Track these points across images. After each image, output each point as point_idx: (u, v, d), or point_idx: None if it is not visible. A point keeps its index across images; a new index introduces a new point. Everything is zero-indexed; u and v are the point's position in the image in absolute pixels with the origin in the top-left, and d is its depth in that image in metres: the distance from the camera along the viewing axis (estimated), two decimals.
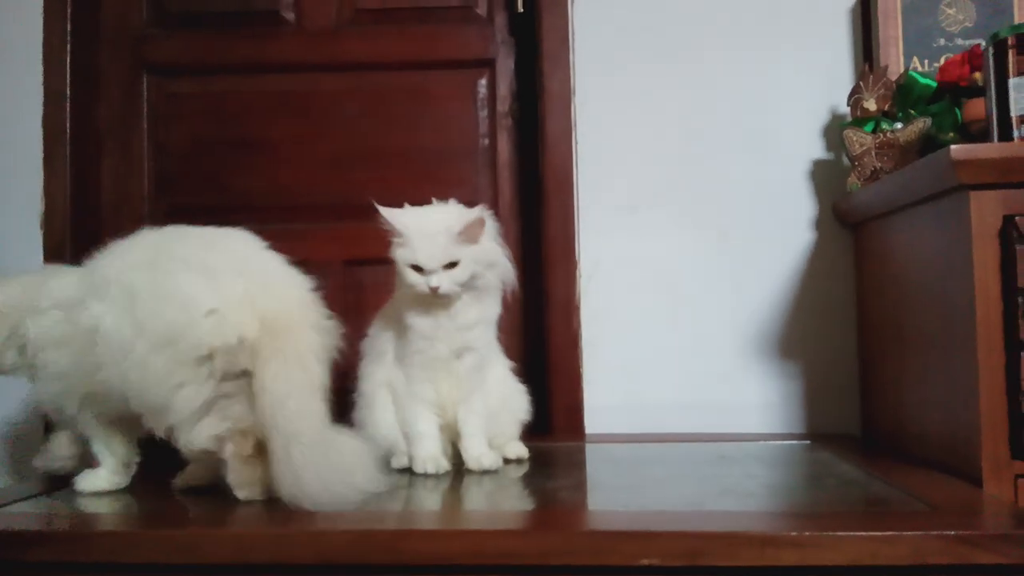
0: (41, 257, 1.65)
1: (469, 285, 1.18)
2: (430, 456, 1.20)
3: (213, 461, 1.07)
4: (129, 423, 1.12)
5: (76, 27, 1.71)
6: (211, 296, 1.02)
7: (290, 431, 0.98)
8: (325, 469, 0.99)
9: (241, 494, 1.06)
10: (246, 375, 1.03)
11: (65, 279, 1.14)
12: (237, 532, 0.93)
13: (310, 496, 0.98)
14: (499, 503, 1.11)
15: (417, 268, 1.16)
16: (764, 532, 0.86)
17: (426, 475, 1.18)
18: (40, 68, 1.69)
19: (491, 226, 1.21)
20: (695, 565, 0.86)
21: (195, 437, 1.03)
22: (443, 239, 1.15)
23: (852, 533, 0.85)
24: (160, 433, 1.06)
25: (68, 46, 1.69)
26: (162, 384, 1.01)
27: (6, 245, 1.68)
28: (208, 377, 1.02)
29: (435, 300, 1.18)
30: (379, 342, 1.28)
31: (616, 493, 1.14)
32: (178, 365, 1.01)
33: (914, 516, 0.93)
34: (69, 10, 1.70)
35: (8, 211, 1.69)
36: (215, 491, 1.10)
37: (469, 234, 1.16)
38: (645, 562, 0.86)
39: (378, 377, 1.26)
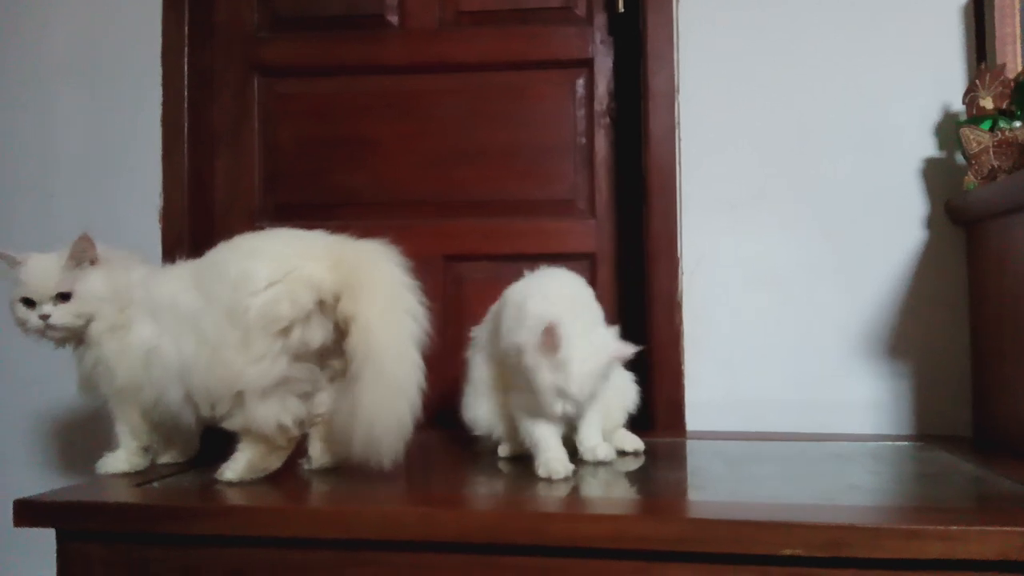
0: (160, 251, 1.72)
1: None
2: (556, 458, 1.15)
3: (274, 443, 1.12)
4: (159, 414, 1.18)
5: (193, 29, 1.78)
6: (265, 272, 1.07)
7: (391, 378, 1.05)
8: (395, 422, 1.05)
9: (232, 475, 1.10)
10: (320, 354, 1.10)
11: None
12: (385, 510, 0.96)
13: (379, 439, 1.04)
14: (621, 492, 1.12)
15: None
16: (910, 525, 0.87)
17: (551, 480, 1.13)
18: (159, 69, 1.77)
19: None
20: (838, 556, 0.87)
21: (254, 416, 1.07)
22: None
23: (999, 528, 0.85)
24: (211, 414, 1.10)
25: (186, 48, 1.77)
26: (236, 362, 1.05)
27: (126, 239, 1.74)
28: (282, 352, 1.06)
29: None
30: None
31: (737, 486, 1.14)
32: (256, 339, 1.05)
33: None
34: (187, 13, 1.77)
35: (128, 206, 1.77)
36: (340, 471, 1.15)
37: None
38: (787, 552, 0.87)
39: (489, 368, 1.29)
